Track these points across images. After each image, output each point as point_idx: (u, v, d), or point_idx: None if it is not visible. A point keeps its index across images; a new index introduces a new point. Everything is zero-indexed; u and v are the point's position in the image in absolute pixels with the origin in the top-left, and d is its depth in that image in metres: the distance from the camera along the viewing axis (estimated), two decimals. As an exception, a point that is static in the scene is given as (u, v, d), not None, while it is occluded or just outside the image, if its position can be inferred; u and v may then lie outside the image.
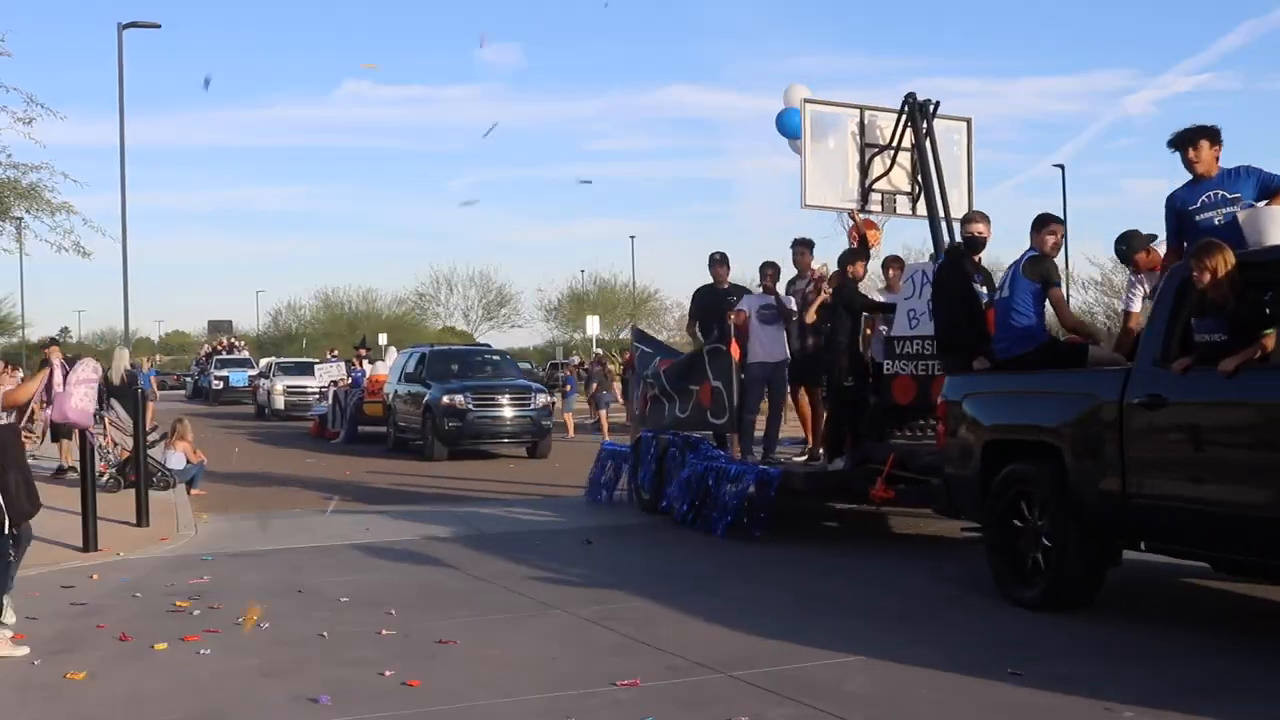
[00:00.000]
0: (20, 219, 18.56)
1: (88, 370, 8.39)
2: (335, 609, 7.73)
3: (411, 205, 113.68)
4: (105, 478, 14.07)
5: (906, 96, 11.14)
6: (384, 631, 6.99)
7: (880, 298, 10.88)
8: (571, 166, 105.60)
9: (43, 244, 18.14)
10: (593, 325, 44.41)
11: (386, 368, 25.42)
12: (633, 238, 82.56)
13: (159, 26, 26.67)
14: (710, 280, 12.45)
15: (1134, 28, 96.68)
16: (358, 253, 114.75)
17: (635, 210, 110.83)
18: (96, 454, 11.80)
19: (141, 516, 11.65)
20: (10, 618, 6.87)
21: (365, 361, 27.89)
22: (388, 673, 6.00)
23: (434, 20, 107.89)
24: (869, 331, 10.66)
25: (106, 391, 14.38)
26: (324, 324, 67.31)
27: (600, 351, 36.26)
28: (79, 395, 8.19)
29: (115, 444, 15.33)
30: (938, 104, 11.19)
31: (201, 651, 6.61)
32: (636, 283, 67.44)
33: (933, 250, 11.01)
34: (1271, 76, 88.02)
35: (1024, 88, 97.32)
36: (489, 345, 31.51)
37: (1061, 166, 47.73)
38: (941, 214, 11.01)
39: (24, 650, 6.64)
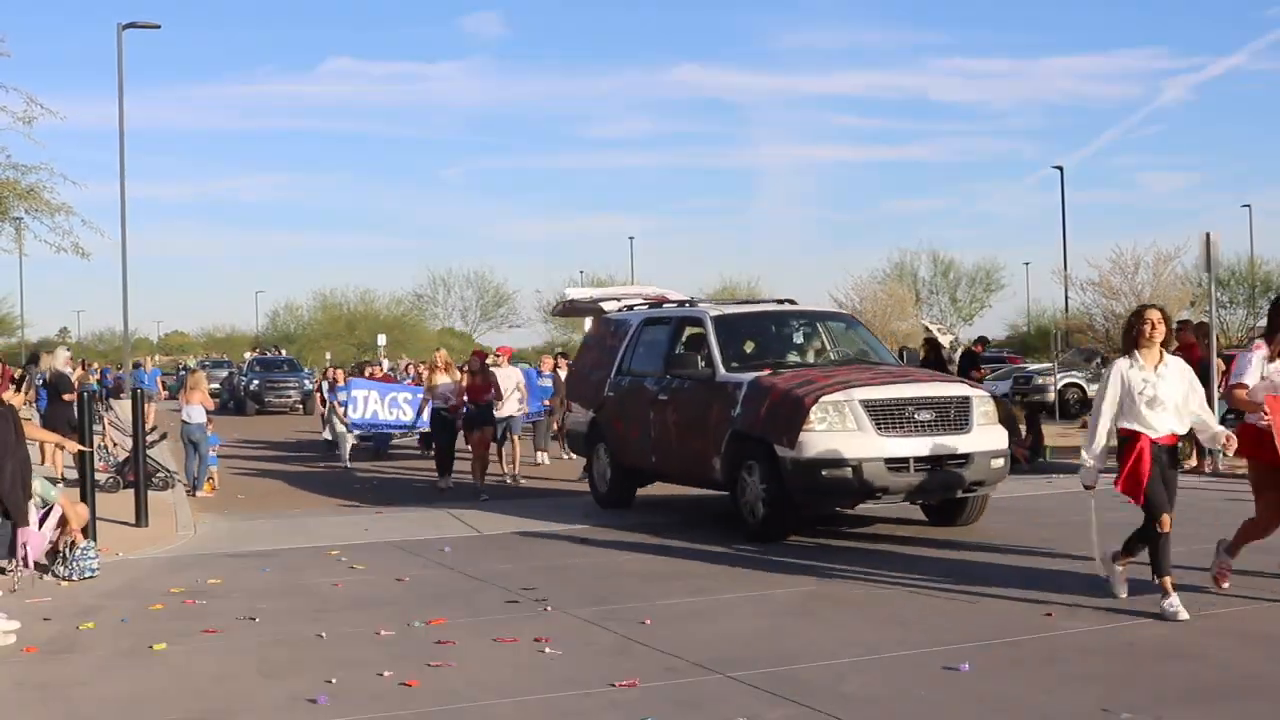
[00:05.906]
0: (20, 219, 18.54)
1: None
2: (334, 609, 7.74)
3: (405, 196, 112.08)
4: (105, 478, 14.10)
5: None
6: (383, 631, 7.01)
7: None
8: (570, 156, 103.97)
9: (42, 244, 18.10)
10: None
11: None
12: (631, 239, 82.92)
13: (159, 27, 26.66)
14: None
15: (1166, 11, 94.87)
16: (353, 249, 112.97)
17: (635, 205, 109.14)
18: (95, 454, 11.82)
19: (140, 516, 11.66)
20: None
21: None
22: (386, 673, 6.01)
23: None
24: None
25: (105, 393, 14.40)
26: (322, 325, 67.12)
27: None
28: None
29: (115, 444, 15.37)
30: None
31: (201, 651, 6.62)
32: (635, 283, 67.64)
33: None
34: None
35: (1051, 67, 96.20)
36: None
37: (1060, 168, 48.47)
38: None
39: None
